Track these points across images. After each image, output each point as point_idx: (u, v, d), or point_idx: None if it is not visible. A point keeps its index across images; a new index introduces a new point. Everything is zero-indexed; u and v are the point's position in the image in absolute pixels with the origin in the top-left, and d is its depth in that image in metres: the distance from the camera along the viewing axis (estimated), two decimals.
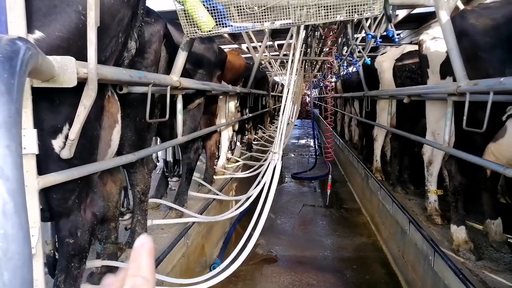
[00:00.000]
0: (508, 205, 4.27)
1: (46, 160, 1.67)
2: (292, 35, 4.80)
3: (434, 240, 3.48)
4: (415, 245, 3.90)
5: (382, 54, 6.10)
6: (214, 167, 5.51)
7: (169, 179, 4.42)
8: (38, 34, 1.50)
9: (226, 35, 9.47)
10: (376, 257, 5.03)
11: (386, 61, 5.59)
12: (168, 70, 3.10)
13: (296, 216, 6.74)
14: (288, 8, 2.64)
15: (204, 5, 2.61)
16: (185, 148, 4.13)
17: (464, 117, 2.67)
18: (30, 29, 1.45)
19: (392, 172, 5.50)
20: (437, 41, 3.70)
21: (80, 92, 1.64)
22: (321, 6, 2.64)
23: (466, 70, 2.78)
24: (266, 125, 11.75)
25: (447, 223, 3.74)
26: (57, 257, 1.99)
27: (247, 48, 7.43)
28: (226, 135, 6.25)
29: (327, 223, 6.46)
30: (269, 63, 10.79)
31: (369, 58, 5.49)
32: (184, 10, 2.64)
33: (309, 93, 18.50)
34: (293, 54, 3.70)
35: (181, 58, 3.03)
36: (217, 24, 2.67)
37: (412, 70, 4.84)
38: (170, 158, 4.39)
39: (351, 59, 6.09)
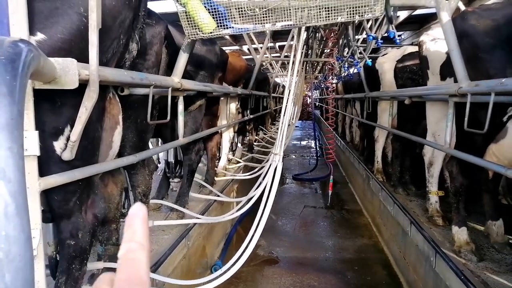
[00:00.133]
0: (510, 206, 4.25)
1: (48, 162, 1.67)
2: (293, 37, 4.80)
3: (435, 241, 3.48)
4: (416, 246, 3.89)
5: (383, 55, 6.10)
6: (215, 168, 5.51)
7: (170, 180, 4.42)
8: (40, 36, 1.50)
9: (227, 37, 9.49)
10: (377, 258, 5.02)
11: (387, 62, 5.59)
12: (168, 71, 3.10)
13: (297, 217, 6.74)
14: (289, 9, 2.65)
15: (205, 6, 2.62)
16: (186, 150, 4.13)
17: (466, 118, 2.67)
18: (32, 31, 1.46)
19: (393, 173, 5.49)
20: (437, 42, 3.70)
21: (82, 93, 1.65)
22: (322, 8, 2.64)
23: (467, 71, 2.78)
24: (267, 126, 11.75)
25: (449, 224, 3.73)
26: (58, 259, 2.00)
27: (248, 49, 7.43)
28: (227, 136, 6.25)
29: (328, 224, 6.46)
30: (270, 64, 10.78)
31: (370, 59, 5.50)
32: (186, 12, 2.65)
33: (310, 94, 18.52)
34: (294, 56, 3.71)
35: (182, 59, 3.03)
36: (218, 26, 2.68)
37: (413, 71, 4.84)
38: (171, 159, 4.40)
39: (352, 60, 6.10)
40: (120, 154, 2.50)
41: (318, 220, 6.65)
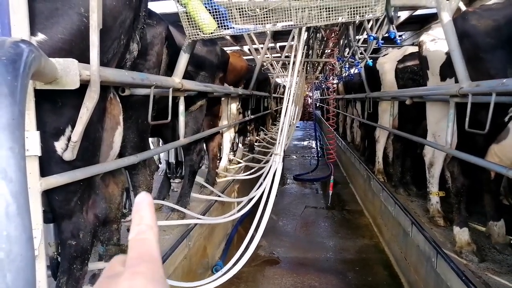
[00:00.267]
0: (511, 206, 4.25)
1: (49, 162, 1.67)
2: (294, 37, 4.80)
3: (436, 241, 3.47)
4: (417, 246, 3.88)
5: (384, 55, 6.10)
6: (216, 169, 5.51)
7: (171, 180, 4.42)
8: (40, 36, 1.50)
9: (228, 37, 9.50)
10: (378, 259, 5.01)
11: (388, 63, 5.59)
12: (169, 72, 3.11)
13: (298, 217, 6.74)
14: (290, 10, 2.65)
15: (206, 7, 2.62)
16: (187, 150, 4.13)
17: (467, 119, 2.66)
18: (33, 32, 1.46)
19: (394, 174, 5.48)
20: (437, 43, 3.70)
21: (83, 94, 1.65)
22: (323, 8, 2.65)
23: (467, 72, 2.77)
24: (268, 126, 11.75)
25: (450, 224, 3.72)
26: (59, 259, 2.00)
27: (249, 50, 7.43)
28: (228, 136, 6.25)
29: (329, 225, 6.45)
30: (271, 65, 10.79)
31: (371, 60, 5.49)
32: (186, 12, 2.65)
33: (311, 94, 18.50)
34: (295, 56, 3.71)
35: (183, 60, 3.03)
36: (219, 26, 2.68)
37: (414, 71, 4.84)
38: (172, 160, 4.40)
39: (353, 60, 6.10)
40: (121, 155, 2.50)
41: (319, 221, 6.64)
